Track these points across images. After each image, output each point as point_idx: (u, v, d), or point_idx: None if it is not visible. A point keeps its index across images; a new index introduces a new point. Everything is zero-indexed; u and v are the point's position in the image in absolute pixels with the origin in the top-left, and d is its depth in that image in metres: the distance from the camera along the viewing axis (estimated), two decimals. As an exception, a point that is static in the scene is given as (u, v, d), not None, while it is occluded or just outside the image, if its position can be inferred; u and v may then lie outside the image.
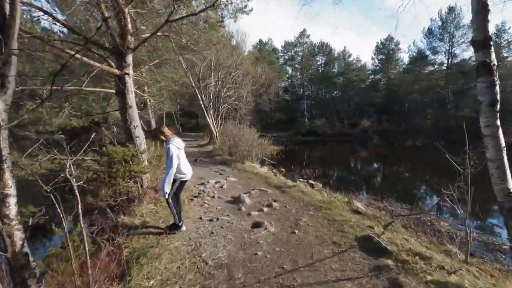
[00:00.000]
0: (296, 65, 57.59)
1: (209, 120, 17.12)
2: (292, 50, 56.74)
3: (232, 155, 12.21)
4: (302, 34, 54.66)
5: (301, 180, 9.74)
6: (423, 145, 29.48)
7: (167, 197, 3.83)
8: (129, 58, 5.65)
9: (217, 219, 4.97)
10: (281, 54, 58.30)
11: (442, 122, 39.25)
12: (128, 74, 5.60)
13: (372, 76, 50.94)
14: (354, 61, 53.84)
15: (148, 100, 15.03)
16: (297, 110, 45.50)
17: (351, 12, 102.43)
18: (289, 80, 59.05)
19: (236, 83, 19.85)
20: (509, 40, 36.59)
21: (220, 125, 19.32)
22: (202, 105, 16.82)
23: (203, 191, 6.74)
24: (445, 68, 39.62)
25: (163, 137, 4.06)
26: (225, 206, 5.75)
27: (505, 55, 38.01)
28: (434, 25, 39.10)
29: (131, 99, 5.68)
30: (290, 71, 59.45)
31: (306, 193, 6.80)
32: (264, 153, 12.21)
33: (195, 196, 6.31)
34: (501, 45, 37.79)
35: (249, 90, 21.02)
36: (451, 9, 37.36)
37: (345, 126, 39.59)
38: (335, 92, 54.69)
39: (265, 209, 5.51)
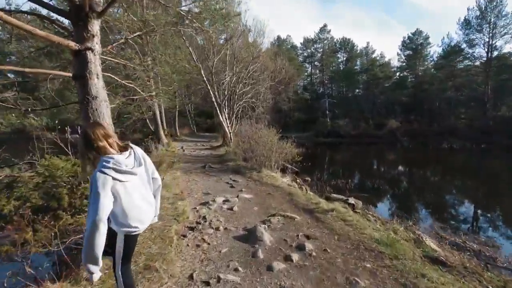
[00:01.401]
0: (316, 63, 55.09)
1: (222, 119, 15.31)
2: (312, 47, 54.28)
3: (248, 160, 10.28)
4: (323, 29, 52.07)
5: (334, 195, 7.67)
6: (462, 148, 26.26)
7: (96, 278, 1.85)
8: (94, 26, 3.82)
9: (218, 279, 3.02)
10: (300, 52, 55.98)
11: (478, 122, 35.50)
12: (91, 49, 3.78)
13: (399, 73, 47.51)
14: (378, 57, 50.61)
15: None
16: (317, 110, 42.91)
17: (371, 8, 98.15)
18: (308, 79, 56.58)
19: (253, 79, 17.96)
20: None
21: (236, 125, 17.49)
22: (215, 102, 15.04)
23: (204, 218, 4.82)
24: (484, 62, 35.69)
25: (90, 154, 1.88)
26: (233, 248, 3.80)
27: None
28: (471, 14, 35.36)
29: (96, 86, 3.85)
30: (309, 69, 56.99)
31: (351, 223, 4.72)
32: (285, 158, 10.18)
33: (191, 228, 4.39)
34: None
35: (268, 86, 19.04)
36: (491, -3, 33.54)
37: (370, 126, 36.64)
38: (357, 91, 51.69)
39: (295, 256, 3.51)
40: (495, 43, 34.44)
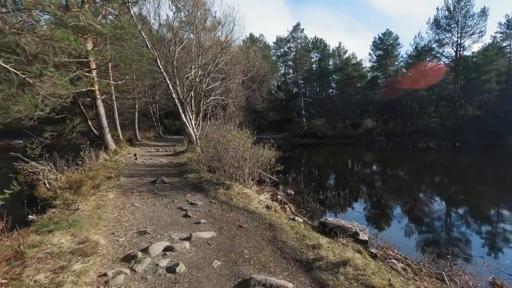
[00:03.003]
0: (290, 62, 53.98)
1: (186, 120, 12.82)
2: (285, 46, 53.07)
3: (214, 171, 7.95)
4: (296, 28, 51.08)
5: (330, 220, 5.61)
6: (439, 147, 25.82)
7: None
8: None
9: None
10: (274, 51, 54.41)
11: (449, 121, 36.02)
12: None
13: (371, 73, 47.58)
14: (351, 57, 50.45)
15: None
16: (292, 110, 41.47)
17: (341, 12, 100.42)
18: (283, 78, 55.25)
19: (223, 73, 15.69)
20: (523, 30, 33.50)
21: (206, 126, 15.02)
22: (176, 99, 12.50)
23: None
24: (452, 61, 36.25)
25: None
26: None
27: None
28: (440, 14, 35.76)
29: None
30: (283, 69, 55.73)
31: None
32: (262, 167, 7.98)
33: None
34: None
35: (239, 82, 16.81)
36: (459, -3, 34.07)
37: (347, 127, 35.73)
38: (331, 91, 51.35)
39: None
40: (463, 42, 35.12)
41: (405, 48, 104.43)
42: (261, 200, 6.35)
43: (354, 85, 45.55)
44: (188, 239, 3.94)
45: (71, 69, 8.92)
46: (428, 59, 39.46)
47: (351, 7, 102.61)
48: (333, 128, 35.70)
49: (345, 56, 51.03)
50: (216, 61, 14.30)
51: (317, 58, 52.12)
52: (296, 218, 5.51)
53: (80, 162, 7.56)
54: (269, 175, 9.11)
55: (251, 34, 48.85)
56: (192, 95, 14.72)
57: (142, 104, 22.97)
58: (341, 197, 8.50)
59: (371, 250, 4.16)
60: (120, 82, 13.84)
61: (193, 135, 13.00)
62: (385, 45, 44.74)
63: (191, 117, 13.46)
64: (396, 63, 46.09)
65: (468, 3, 33.53)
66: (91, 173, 6.90)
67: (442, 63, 37.78)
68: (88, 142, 9.04)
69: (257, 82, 23.51)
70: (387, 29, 45.73)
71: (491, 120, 32.88)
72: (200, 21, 14.07)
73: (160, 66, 11.72)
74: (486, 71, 33.61)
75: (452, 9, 34.65)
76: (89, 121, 13.33)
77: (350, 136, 33.44)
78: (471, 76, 34.64)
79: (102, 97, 12.10)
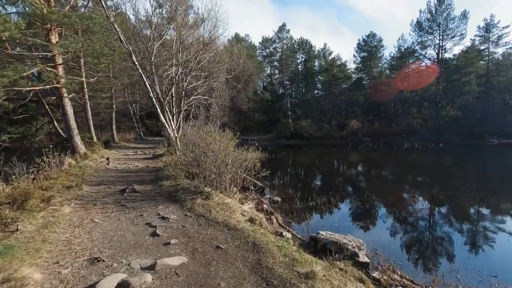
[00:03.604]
0: (275, 63, 53.57)
1: (165, 121, 11.90)
2: (271, 46, 52.60)
3: (194, 178, 7.15)
4: (282, 28, 50.65)
5: (323, 234, 4.98)
6: (423, 147, 25.98)
7: None
8: None
9: None
10: (259, 51, 53.81)
11: (432, 121, 36.65)
12: None
13: (356, 74, 47.90)
14: (335, 59, 50.70)
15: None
16: (278, 110, 41.01)
17: (325, 14, 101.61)
18: (268, 79, 54.79)
19: (206, 71, 14.84)
20: (500, 34, 34.52)
21: (188, 127, 14.13)
22: (154, 99, 11.56)
23: None
24: (435, 63, 36.89)
25: None
26: None
27: (494, 50, 36.17)
28: (423, 17, 36.34)
29: None
30: (268, 70, 55.28)
31: None
32: (246, 172, 7.28)
33: None
34: (490, 39, 35.85)
35: (223, 81, 16.00)
36: (440, 0, 34.72)
37: (333, 128, 35.58)
38: (316, 92, 51.50)
39: None
40: (445, 45, 35.81)
41: (389, 50, 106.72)
42: (244, 211, 5.63)
43: (340, 86, 45.74)
44: (151, 268, 3.17)
45: (30, 63, 7.89)
46: (411, 60, 40.09)
47: (335, 9, 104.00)
48: (319, 129, 35.48)
49: (330, 57, 51.29)
50: (198, 59, 13.46)
51: (303, 59, 52.00)
52: (284, 233, 4.81)
53: (35, 170, 6.57)
54: (254, 181, 8.42)
55: (236, 34, 48.17)
56: (173, 94, 13.83)
57: (121, 104, 21.70)
58: (332, 203, 7.92)
59: (374, 275, 3.52)
60: (92, 80, 12.72)
61: (173, 137, 12.10)
62: (369, 47, 45.13)
63: (170, 117, 12.54)
64: (380, 64, 46.73)
65: (449, 7, 34.23)
66: (46, 182, 5.93)
67: (424, 65, 38.36)
68: (52, 146, 8.04)
69: (242, 82, 22.79)
70: (371, 31, 46.18)
71: (471, 121, 33.67)
72: (181, 16, 13.21)
73: (136, 62, 10.76)
74: (466, 73, 34.40)
75: (434, 11, 35.28)
76: (55, 122, 12.14)
77: (336, 137, 33.33)
78: (452, 78, 35.35)
79: (70, 96, 10.99)
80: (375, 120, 39.41)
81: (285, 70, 51.07)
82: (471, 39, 37.46)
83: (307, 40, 51.91)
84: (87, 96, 14.47)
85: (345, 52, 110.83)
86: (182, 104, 13.74)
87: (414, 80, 37.42)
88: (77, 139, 10.79)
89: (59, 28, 9.19)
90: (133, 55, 10.62)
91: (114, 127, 19.93)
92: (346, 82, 46.51)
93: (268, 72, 55.29)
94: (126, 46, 10.39)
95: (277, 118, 39.33)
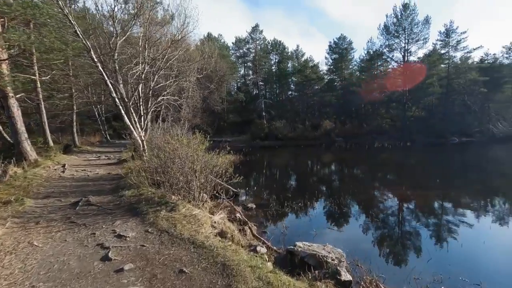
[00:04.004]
0: (249, 63, 53.29)
1: (128, 122, 10.98)
2: (244, 47, 52.26)
3: (160, 186, 6.48)
4: (255, 29, 50.44)
5: (300, 245, 4.61)
6: (393, 146, 26.91)
7: None
8: None
9: None
10: (233, 52, 53.25)
11: (399, 122, 38.29)
12: None
13: (328, 76, 48.93)
14: (308, 60, 51.53)
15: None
16: (253, 111, 40.69)
17: (298, 17, 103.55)
18: (242, 80, 54.40)
19: (176, 70, 14.04)
20: (459, 39, 36.89)
21: (154, 129, 13.23)
22: (116, 98, 10.60)
23: None
24: (401, 65, 38.60)
25: None
26: None
27: (453, 54, 38.59)
28: (389, 21, 37.87)
29: None
30: (242, 70, 54.87)
31: None
32: (216, 176, 6.74)
33: None
34: (450, 44, 38.17)
35: (194, 80, 15.27)
36: (405, 6, 36.40)
37: (307, 128, 35.89)
38: (290, 93, 52.01)
39: None
40: (410, 48, 37.56)
41: (358, 53, 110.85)
42: (215, 222, 5.11)
43: (312, 87, 46.47)
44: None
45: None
46: (379, 63, 41.68)
47: (307, 12, 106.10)
48: (293, 129, 35.63)
49: (303, 59, 52.05)
50: (166, 57, 12.66)
51: (276, 60, 52.26)
52: (258, 247, 4.36)
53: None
54: (228, 186, 7.92)
55: (209, 34, 47.23)
56: (140, 94, 12.90)
57: (83, 105, 20.10)
58: (308, 207, 7.65)
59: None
60: (45, 78, 11.45)
61: (139, 141, 11.22)
62: (340, 49, 46.22)
63: (136, 119, 11.62)
64: (351, 66, 48.09)
65: (413, 12, 35.96)
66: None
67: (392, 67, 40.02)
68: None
69: (215, 82, 22.15)
70: (341, 34, 47.52)
71: (434, 121, 35.61)
72: (147, 11, 12.34)
73: (95, 59, 9.79)
74: (430, 75, 36.33)
75: (399, 16, 36.87)
76: None
77: (310, 138, 33.67)
78: (417, 80, 37.11)
79: (19, 96, 9.75)
80: (347, 120, 40.40)
81: (259, 71, 50.93)
82: (433, 43, 39.69)
83: (280, 41, 52.31)
84: (41, 96, 13.07)
85: (317, 54, 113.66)
86: (149, 105, 12.85)
87: (383, 81, 38.95)
88: (26, 144, 9.56)
89: (1, 19, 8.05)
90: (91, 51, 9.65)
91: (75, 130, 18.36)
92: (318, 83, 47.38)
93: (242, 72, 54.93)
94: (84, 41, 9.41)
95: (252, 119, 39.01)
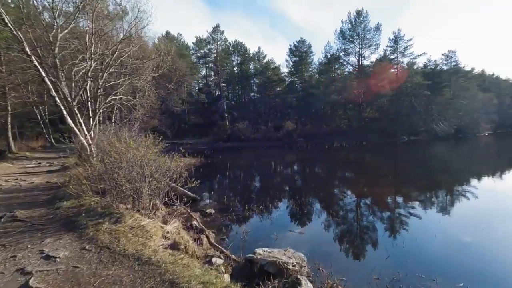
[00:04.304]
0: (211, 64, 52.37)
1: (72, 124, 9.83)
2: (205, 47, 51.23)
3: (105, 195, 5.78)
4: (216, 30, 49.69)
5: (260, 253, 4.34)
6: (350, 146, 28.22)
7: None
8: None
9: None
10: (193, 52, 51.86)
11: (356, 122, 40.42)
12: None
13: (289, 78, 50.01)
14: (270, 62, 52.23)
15: None
16: (215, 113, 39.93)
17: (259, 20, 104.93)
18: (204, 81, 53.25)
19: (128, 67, 13.00)
20: (406, 46, 40.12)
21: (100, 132, 12.08)
22: (57, 98, 9.42)
23: None
24: (356, 68, 40.82)
25: None
26: None
27: (401, 59, 41.89)
28: (345, 27, 39.86)
29: None
30: (204, 71, 53.72)
31: None
32: (170, 180, 6.22)
33: None
34: (398, 50, 41.33)
35: (150, 79, 14.30)
36: (358, 13, 38.60)
37: (269, 129, 36.16)
38: (252, 94, 52.22)
39: None
40: (364, 53, 39.88)
41: (317, 56, 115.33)
42: (167, 233, 4.63)
43: (274, 89, 47.18)
44: None
45: None
46: (336, 66, 43.66)
47: (268, 16, 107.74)
48: (256, 130, 35.66)
49: (264, 61, 52.65)
50: (117, 53, 11.65)
51: (238, 61, 52.15)
52: (214, 258, 3.99)
53: None
54: (185, 191, 7.43)
55: (167, 32, 45.50)
56: (88, 93, 11.72)
57: (20, 106, 17.86)
58: (269, 210, 7.46)
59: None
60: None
61: (86, 145, 10.13)
62: (300, 52, 47.46)
63: (81, 121, 10.48)
64: (310, 69, 49.65)
65: (366, 19, 38.28)
66: None
67: (348, 70, 42.16)
68: None
69: (174, 82, 21.16)
70: (301, 38, 48.84)
71: (386, 122, 38.23)
72: (94, 3, 11.24)
73: (29, 52, 8.59)
74: (381, 78, 38.92)
75: (353, 22, 38.98)
76: None
77: (273, 139, 33.97)
78: (370, 83, 39.52)
79: None
80: (307, 121, 41.56)
81: (221, 72, 50.27)
82: (383, 49, 42.65)
83: (241, 42, 52.27)
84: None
85: (279, 56, 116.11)
86: (98, 106, 11.72)
87: (340, 84, 40.89)
88: None
89: None
90: (24, 43, 8.46)
91: (10, 134, 16.19)
92: (280, 85, 48.27)
93: (203, 73, 53.80)
94: (14, 31, 8.21)
95: (214, 120, 38.26)
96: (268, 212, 7.35)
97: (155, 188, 5.47)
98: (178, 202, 5.86)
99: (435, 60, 43.90)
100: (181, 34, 50.04)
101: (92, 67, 11.23)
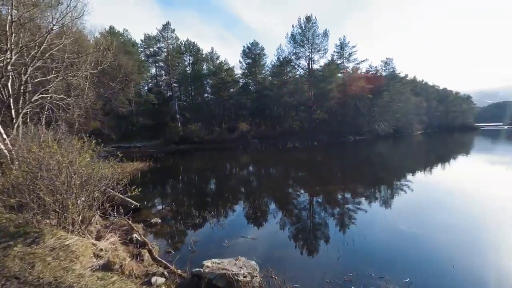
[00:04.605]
0: (161, 63, 49.95)
1: (-14, 127, 8.26)
2: (155, 45, 48.71)
3: (24, 209, 4.83)
4: (166, 27, 47.61)
5: (206, 268, 3.98)
6: (303, 146, 29.17)
7: None
8: None
9: None
10: (142, 49, 48.89)
11: (307, 124, 42.10)
12: None
13: (243, 79, 50.12)
14: (223, 63, 51.77)
15: None
16: (166, 114, 38.11)
17: (212, 21, 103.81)
18: (154, 80, 50.53)
19: (60, 62, 11.43)
20: (350, 52, 43.10)
21: (19, 136, 10.41)
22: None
23: None
24: (307, 72, 42.52)
25: None
26: None
27: (347, 64, 44.91)
28: (295, 31, 41.27)
29: None
30: (154, 70, 50.99)
31: None
32: (106, 189, 5.51)
33: None
34: (344, 56, 44.21)
35: (88, 76, 12.79)
36: (308, 18, 40.30)
37: (223, 131, 35.66)
38: (206, 95, 51.23)
39: None
40: (313, 57, 41.75)
41: (270, 59, 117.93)
42: (101, 250, 4.01)
43: (228, 90, 46.84)
44: None
45: None
46: (288, 69, 45.01)
47: (221, 17, 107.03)
48: (210, 132, 34.91)
49: (218, 61, 52.02)
50: (45, 45, 10.17)
51: (191, 61, 50.71)
52: (154, 278, 3.52)
53: None
54: (126, 199, 6.70)
55: (111, 27, 42.15)
56: (10, 90, 10.02)
57: None
58: (221, 216, 7.09)
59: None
60: None
61: (5, 151, 8.60)
62: (253, 54, 47.89)
63: (-2, 122, 8.89)
64: (263, 71, 50.41)
65: (315, 24, 40.14)
66: None
67: (300, 73, 43.75)
68: None
69: (118, 81, 19.43)
70: (254, 40, 49.26)
71: (335, 123, 40.56)
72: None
73: None
74: (330, 82, 41.21)
75: (303, 27, 40.59)
76: None
77: (227, 140, 33.59)
78: (320, 86, 41.55)
79: None
80: (262, 122, 42.05)
81: (172, 72, 48.27)
82: (331, 54, 45.21)
83: (194, 42, 50.98)
84: None
85: (233, 58, 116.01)
86: (21, 105, 10.09)
87: (292, 86, 42.22)
88: None
89: None
90: None
91: None
92: (234, 87, 48.12)
93: (153, 72, 51.07)
94: None
95: (165, 122, 36.48)
96: (220, 217, 6.98)
97: (86, 199, 4.74)
98: (116, 213, 5.18)
99: (375, 66, 47.90)
100: (127, 30, 46.81)
101: (13, 60, 9.64)
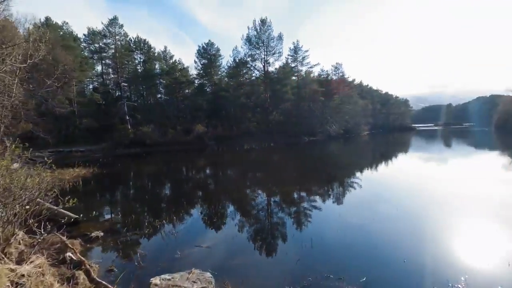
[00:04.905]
0: (108, 61, 46.20)
1: None
2: (101, 41, 44.88)
3: None
4: (113, 22, 44.19)
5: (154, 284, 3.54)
6: (259, 148, 29.35)
7: None
8: None
9: None
10: (85, 45, 44.64)
11: (264, 125, 42.61)
12: None
13: (198, 80, 48.84)
14: (177, 62, 49.82)
15: None
16: (114, 115, 35.31)
17: (166, 20, 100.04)
18: (100, 79, 46.55)
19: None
20: (304, 56, 44.77)
21: None
22: None
23: None
24: (263, 74, 43.02)
25: None
26: None
27: (300, 68, 46.55)
28: (251, 33, 41.51)
29: None
30: (99, 68, 46.95)
31: None
32: (31, 201, 4.68)
33: None
34: (298, 59, 45.74)
35: (17, 72, 11.02)
36: (263, 21, 40.85)
37: (178, 132, 34.20)
38: (159, 96, 48.82)
39: None
40: (269, 59, 42.42)
41: (226, 60, 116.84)
42: (22, 277, 3.31)
43: (183, 90, 45.23)
44: None
45: None
46: (244, 70, 45.06)
47: (176, 15, 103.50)
48: (164, 134, 33.19)
49: (171, 61, 49.92)
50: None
51: (142, 60, 47.87)
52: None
53: None
54: (63, 211, 5.85)
55: (47, 18, 37.80)
56: None
57: None
58: (174, 224, 6.57)
59: None
60: None
61: None
62: (208, 55, 46.98)
63: None
64: (220, 72, 49.74)
65: (270, 28, 40.85)
66: None
67: (255, 75, 44.10)
68: None
69: (55, 78, 17.24)
70: (209, 40, 48.28)
71: (290, 124, 41.69)
72: None
73: None
74: (284, 84, 42.24)
75: (259, 30, 41.03)
76: None
77: (183, 142, 32.26)
78: (275, 88, 42.37)
79: None
80: (218, 124, 41.40)
81: (121, 70, 44.96)
82: (286, 57, 46.40)
83: (145, 40, 48.28)
84: None
85: (188, 59, 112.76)
86: None
87: (248, 88, 42.34)
88: None
89: None
90: None
91: None
92: (189, 87, 46.63)
93: (99, 70, 47.01)
94: None
95: (113, 124, 33.74)
96: (173, 226, 6.45)
97: (3, 215, 3.92)
98: (44, 229, 4.40)
99: (327, 71, 50.44)
100: (67, 23, 42.41)
101: None
